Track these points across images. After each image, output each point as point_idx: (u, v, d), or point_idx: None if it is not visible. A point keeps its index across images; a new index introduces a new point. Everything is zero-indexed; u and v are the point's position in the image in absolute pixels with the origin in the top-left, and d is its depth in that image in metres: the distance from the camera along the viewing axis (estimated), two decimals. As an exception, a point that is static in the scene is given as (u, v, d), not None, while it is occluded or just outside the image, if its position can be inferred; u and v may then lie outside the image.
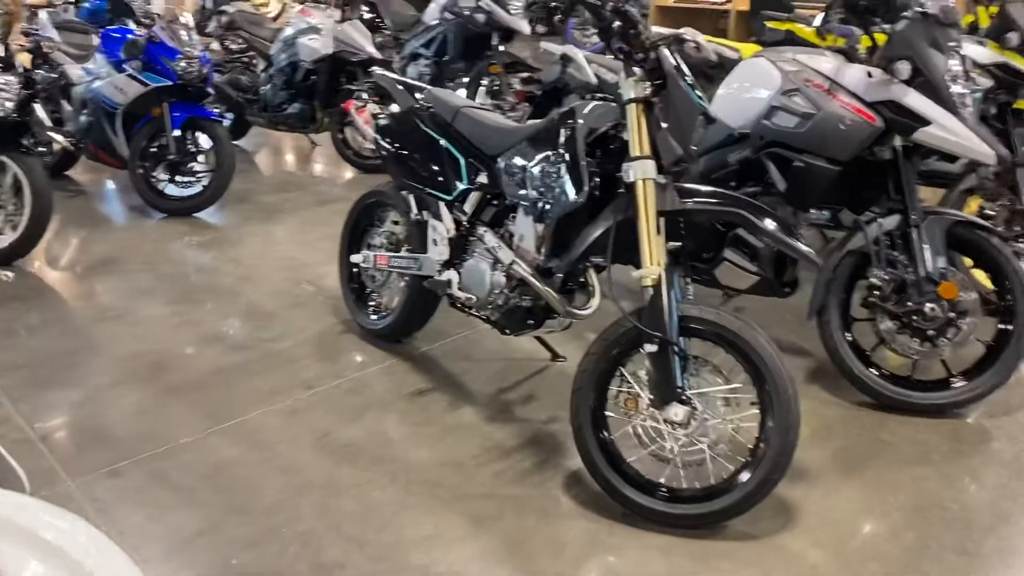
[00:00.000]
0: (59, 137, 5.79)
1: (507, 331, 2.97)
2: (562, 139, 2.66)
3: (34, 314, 3.92)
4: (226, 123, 7.11)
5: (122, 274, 4.40)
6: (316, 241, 4.82)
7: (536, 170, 2.72)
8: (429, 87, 3.38)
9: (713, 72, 3.92)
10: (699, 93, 2.53)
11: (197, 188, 5.35)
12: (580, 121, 2.65)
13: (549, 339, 3.43)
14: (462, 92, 7.41)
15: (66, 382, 3.30)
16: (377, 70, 3.60)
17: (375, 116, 3.33)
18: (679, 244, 2.60)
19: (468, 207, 3.06)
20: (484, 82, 6.89)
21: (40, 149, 4.65)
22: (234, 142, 7.23)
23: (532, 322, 2.90)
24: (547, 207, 2.69)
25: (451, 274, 3.07)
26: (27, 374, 3.36)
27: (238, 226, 5.26)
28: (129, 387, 3.28)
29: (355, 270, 3.64)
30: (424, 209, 3.23)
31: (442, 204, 3.13)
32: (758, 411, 2.44)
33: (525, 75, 6.52)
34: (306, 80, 6.37)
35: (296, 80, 6.42)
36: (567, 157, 2.60)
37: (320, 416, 3.08)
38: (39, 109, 5.64)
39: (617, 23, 2.44)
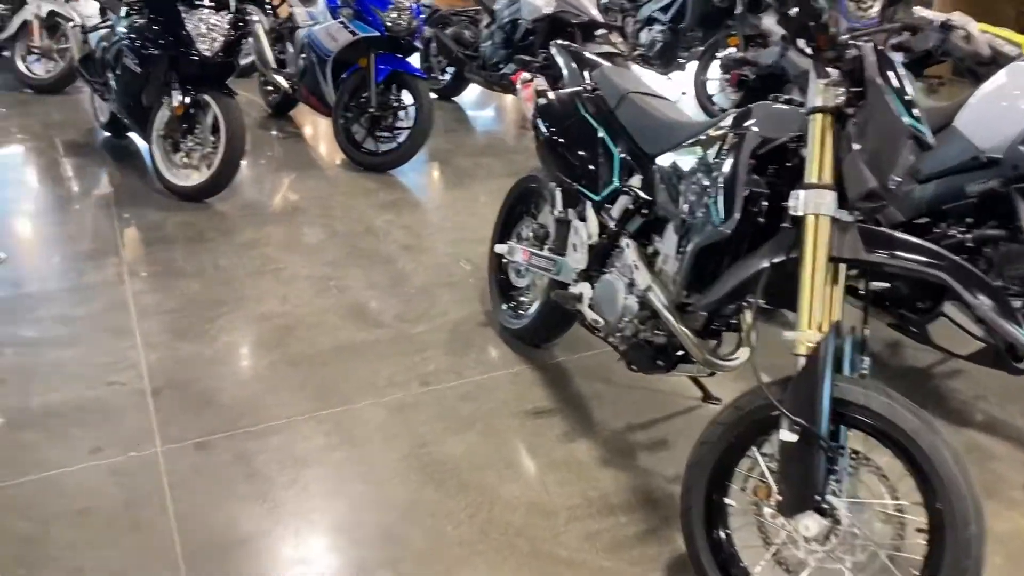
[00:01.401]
0: (280, 78, 5.94)
1: (633, 368, 2.50)
2: (726, 146, 2.11)
3: (205, 257, 3.98)
4: (445, 79, 7.04)
5: (297, 225, 4.38)
6: (494, 215, 4.53)
7: (690, 180, 2.20)
8: (607, 65, 2.91)
9: (983, 70, 3.11)
10: (916, 111, 1.88)
11: (392, 144, 5.24)
12: (753, 127, 2.08)
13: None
14: (693, 65, 6.78)
15: (200, 335, 3.27)
16: (558, 42, 3.18)
17: (539, 94, 2.92)
18: (886, 286, 1.99)
19: (616, 212, 2.58)
20: (720, 55, 6.21)
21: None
22: (452, 99, 7.16)
23: (662, 363, 2.40)
24: (692, 229, 2.17)
25: (584, 287, 2.64)
26: (171, 320, 3.38)
27: (424, 188, 5.10)
28: (253, 351, 3.18)
29: (503, 260, 3.29)
30: (570, 206, 2.80)
31: (589, 204, 2.69)
32: (925, 542, 1.81)
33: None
34: (525, 40, 6.06)
35: (515, 39, 6.13)
36: (725, 171, 2.06)
37: (425, 420, 2.79)
38: (267, 50, 5.81)
39: (795, 8, 1.85)
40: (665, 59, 7.13)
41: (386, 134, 5.25)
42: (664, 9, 6.71)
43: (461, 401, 2.91)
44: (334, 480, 2.50)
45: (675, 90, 7.27)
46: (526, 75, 3.08)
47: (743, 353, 2.28)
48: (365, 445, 2.66)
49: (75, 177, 5.11)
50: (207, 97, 4.48)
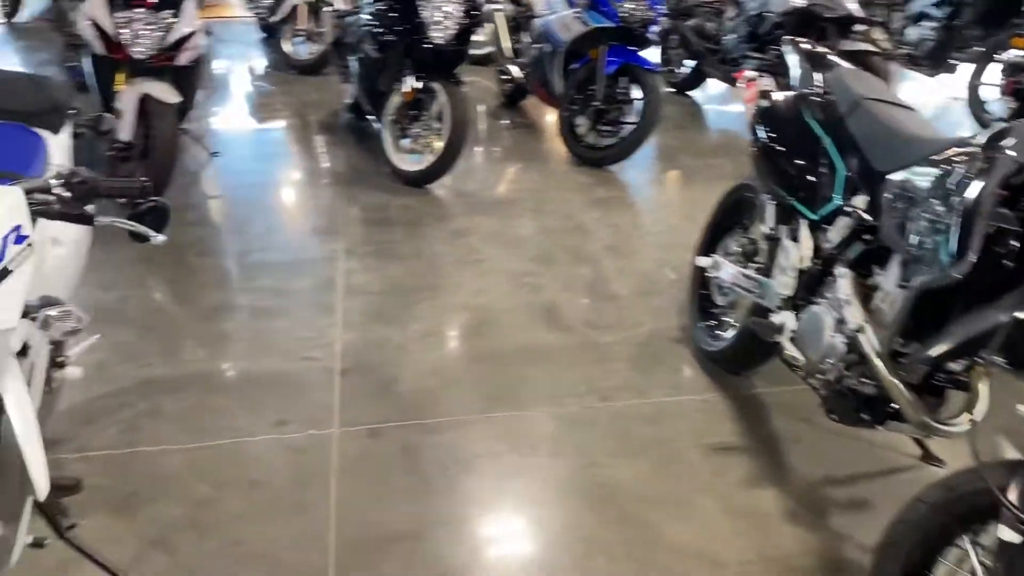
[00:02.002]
0: (514, 68, 5.96)
1: (832, 416, 2.17)
2: (972, 170, 1.74)
3: (415, 242, 4.05)
4: (683, 72, 6.74)
5: (506, 217, 4.35)
6: (710, 221, 4.24)
7: (923, 207, 1.85)
8: (845, 67, 2.56)
9: None
10: None
11: (613, 139, 5.08)
12: (1010, 150, 1.70)
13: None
14: (967, 68, 5.99)
15: (394, 320, 3.31)
16: (791, 38, 2.86)
17: (762, 94, 2.63)
18: None
19: (834, 235, 2.26)
20: (1000, 57, 5.44)
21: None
22: (687, 93, 6.85)
23: (868, 417, 2.06)
24: (918, 266, 1.82)
25: (787, 317, 2.34)
26: (372, 302, 3.45)
27: (642, 187, 4.90)
28: (440, 342, 3.17)
29: (706, 274, 3.03)
30: (783, 223, 2.50)
31: (804, 223, 2.38)
32: None
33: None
34: (771, 34, 5.63)
35: (760, 33, 5.72)
36: (966, 200, 1.70)
37: (597, 438, 2.63)
38: (504, 38, 5.84)
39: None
40: (935, 59, 6.36)
41: (609, 128, 5.09)
42: (939, 4, 5.98)
43: (640, 423, 2.71)
44: (492, 490, 2.41)
45: (938, 94, 6.49)
46: (751, 73, 2.80)
47: (968, 418, 1.90)
48: (530, 456, 2.55)
49: (317, 155, 5.44)
50: (435, 84, 4.56)
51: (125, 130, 4.22)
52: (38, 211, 1.32)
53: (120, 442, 2.58)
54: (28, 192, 1.32)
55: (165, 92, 4.20)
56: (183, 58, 4.31)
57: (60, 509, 1.96)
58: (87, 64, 4.52)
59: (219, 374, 2.95)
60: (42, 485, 1.21)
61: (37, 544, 1.75)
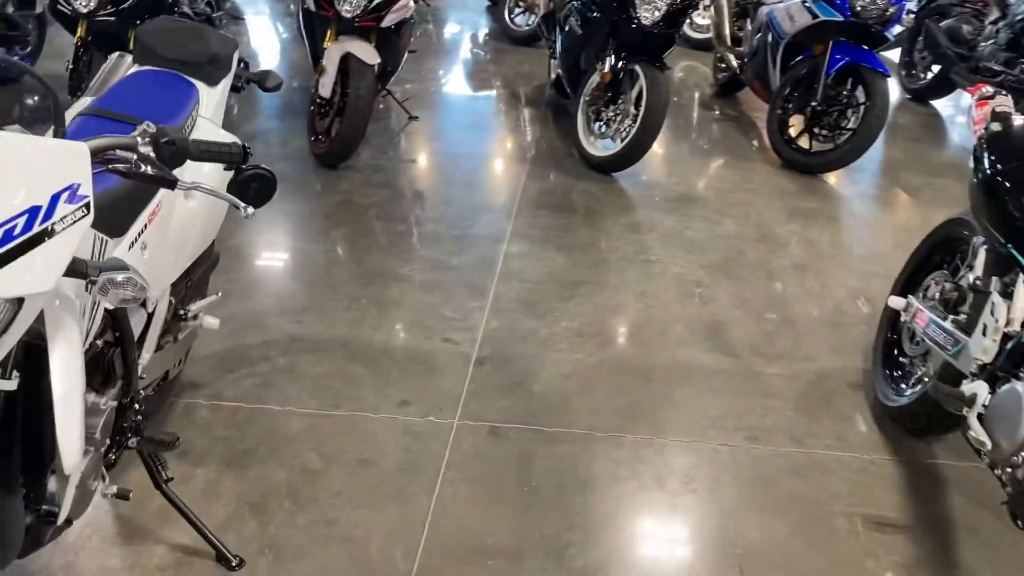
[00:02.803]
0: (731, 56, 5.57)
1: (1019, 523, 1.76)
2: None
3: (586, 232, 3.86)
4: (926, 78, 6.03)
5: (688, 217, 4.04)
6: (924, 251, 3.72)
7: None
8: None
9: None
10: None
11: (829, 145, 4.59)
12: None
13: None
14: None
15: (544, 313, 3.15)
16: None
17: (995, 116, 2.18)
18: None
19: (1061, 299, 1.82)
20: None
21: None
22: (929, 102, 6.13)
23: (1065, 535, 1.65)
24: None
25: (981, 389, 1.93)
26: (525, 290, 3.31)
27: (851, 202, 4.40)
28: (585, 343, 2.97)
29: (898, 317, 2.61)
30: (996, 274, 2.06)
31: (1023, 278, 1.94)
32: None
33: None
34: (1040, 43, 4.86)
35: (1026, 41, 4.95)
36: None
37: (734, 483, 2.34)
38: (725, 23, 5.48)
39: None
40: None
41: (825, 132, 4.61)
42: None
43: (788, 475, 2.38)
44: (605, 519, 2.20)
45: None
46: (988, 89, 2.34)
47: None
48: (655, 490, 2.31)
49: (513, 129, 5.36)
50: (637, 67, 4.31)
51: (326, 86, 4.33)
52: (116, 170, 1.26)
53: (251, 396, 2.60)
54: (109, 148, 1.27)
55: (366, 52, 4.24)
56: (388, 19, 4.34)
57: (160, 461, 1.98)
58: (301, 19, 4.68)
59: (360, 342, 2.92)
60: (71, 457, 1.17)
61: (122, 496, 1.76)
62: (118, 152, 1.28)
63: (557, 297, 3.27)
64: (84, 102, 1.95)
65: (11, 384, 1.17)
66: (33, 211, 1.06)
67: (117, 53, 2.20)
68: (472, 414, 2.57)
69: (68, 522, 1.61)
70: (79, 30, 4.34)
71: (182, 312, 2.09)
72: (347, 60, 4.27)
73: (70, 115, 1.91)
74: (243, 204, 1.46)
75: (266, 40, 7.46)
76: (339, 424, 2.50)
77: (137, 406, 1.89)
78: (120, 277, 1.19)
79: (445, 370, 2.79)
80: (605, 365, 2.85)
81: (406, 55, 5.05)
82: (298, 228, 3.80)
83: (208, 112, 2.08)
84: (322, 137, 4.47)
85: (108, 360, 1.74)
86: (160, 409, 2.49)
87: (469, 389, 2.69)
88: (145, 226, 1.77)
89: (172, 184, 1.30)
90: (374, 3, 4.20)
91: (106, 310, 1.63)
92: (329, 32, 4.33)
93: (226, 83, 2.19)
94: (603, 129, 4.56)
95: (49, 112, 1.20)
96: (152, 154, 1.29)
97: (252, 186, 1.50)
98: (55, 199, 1.09)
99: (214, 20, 5.56)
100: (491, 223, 3.90)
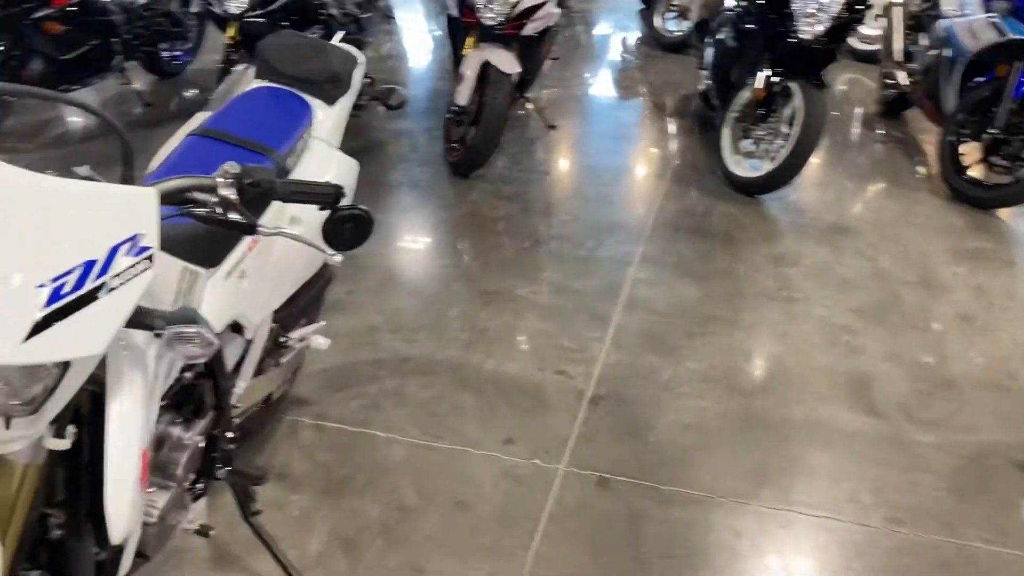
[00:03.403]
0: (901, 73, 5.13)
1: None
2: None
3: (723, 260, 3.59)
4: None
5: (838, 251, 3.70)
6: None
7: None
8: None
9: None
10: None
11: (1007, 178, 4.10)
12: None
13: None
14: None
15: (670, 351, 2.93)
16: None
17: None
18: None
19: None
20: None
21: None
22: None
23: None
24: None
25: None
26: (651, 323, 3.10)
27: (1032, 243, 3.90)
28: (713, 390, 2.73)
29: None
30: None
31: None
32: None
33: None
34: None
35: None
36: None
37: (870, 573, 2.05)
38: (897, 37, 5.04)
39: None
40: None
41: (1005, 163, 4.12)
42: None
43: (935, 570, 2.08)
44: (714, 600, 1.98)
45: None
46: None
47: None
48: (777, 572, 2.06)
49: (654, 143, 5.12)
50: (793, 84, 3.99)
51: (463, 94, 4.24)
52: (191, 214, 1.17)
53: (356, 418, 2.53)
54: (186, 191, 1.18)
55: (506, 61, 4.13)
56: (530, 28, 4.21)
57: (249, 493, 1.92)
58: (444, 25, 4.62)
59: (471, 367, 2.80)
60: (118, 528, 1.08)
61: (202, 532, 1.71)
62: (196, 194, 1.19)
63: (685, 333, 3.04)
64: (200, 117, 1.91)
65: (64, 443, 1.10)
66: (87, 266, 0.97)
67: (244, 65, 2.16)
68: (580, 460, 2.39)
69: (146, 557, 1.56)
70: (230, 31, 4.44)
71: (283, 339, 2.02)
72: (486, 68, 4.17)
73: (186, 131, 1.87)
74: (330, 250, 1.35)
75: (416, 40, 7.51)
76: (439, 458, 2.39)
77: (230, 435, 1.83)
78: (190, 330, 1.10)
79: (556, 407, 2.63)
80: (732, 417, 2.61)
81: (548, 62, 4.91)
82: (423, 239, 3.73)
83: (323, 132, 2.00)
84: (456, 145, 4.39)
85: (199, 393, 1.68)
86: (265, 427, 2.45)
87: (580, 431, 2.52)
88: (244, 254, 1.70)
89: (252, 230, 1.20)
90: (516, 11, 4.07)
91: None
92: (470, 39, 4.25)
93: (346, 101, 2.11)
94: (751, 148, 4.26)
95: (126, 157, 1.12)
96: (234, 197, 1.19)
97: (347, 226, 1.38)
98: (113, 252, 1.00)
99: (362, 21, 5.62)
100: (620, 244, 3.70)
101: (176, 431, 1.60)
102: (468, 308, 3.16)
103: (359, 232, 1.41)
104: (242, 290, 1.69)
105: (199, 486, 1.79)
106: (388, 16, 8.24)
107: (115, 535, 1.09)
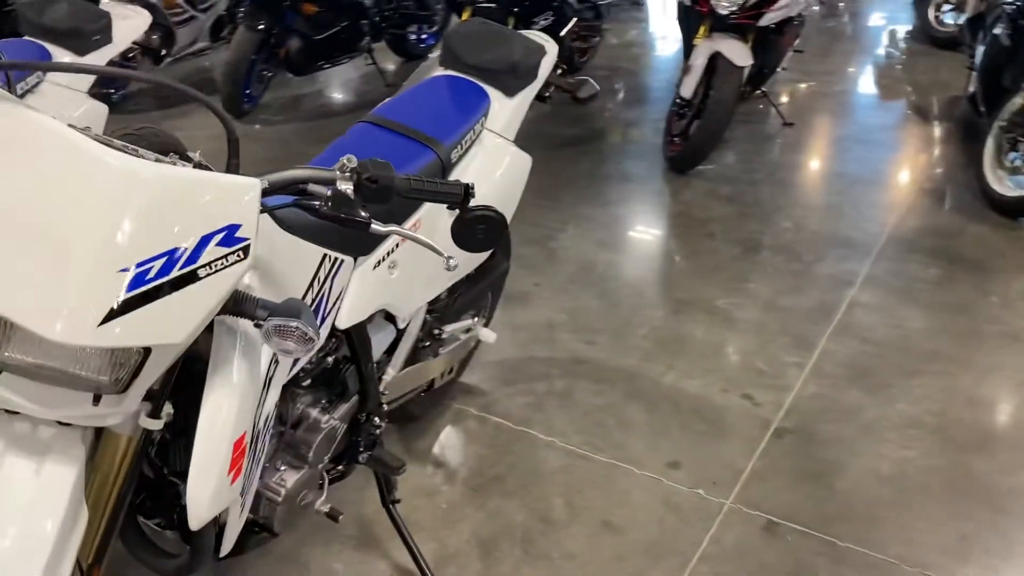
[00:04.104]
0: None
1: None
2: None
3: (964, 289, 3.13)
4: None
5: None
6: None
7: None
8: None
9: None
10: None
11: None
12: None
13: None
14: None
15: (880, 388, 2.59)
16: None
17: None
18: None
19: None
20: None
21: None
22: None
23: None
24: None
25: None
26: (864, 354, 2.76)
27: None
28: (919, 439, 2.37)
29: None
30: None
31: None
32: None
33: None
34: None
35: None
36: None
37: None
38: None
39: None
40: None
41: None
42: None
43: None
44: None
45: None
46: None
47: None
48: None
49: (906, 148, 4.59)
50: (1079, 92, 3.39)
51: (688, 86, 4.04)
52: (303, 205, 1.14)
53: (519, 415, 2.48)
54: (300, 182, 1.15)
55: (737, 53, 3.87)
56: (767, 18, 3.91)
57: (390, 481, 1.92)
58: (677, 11, 4.42)
59: (648, 379, 2.65)
60: (195, 516, 1.08)
61: (332, 516, 1.72)
62: (311, 187, 1.16)
63: (900, 370, 2.67)
64: (383, 104, 1.91)
65: (156, 424, 1.12)
66: (173, 253, 0.96)
67: (436, 53, 2.14)
68: (750, 499, 2.17)
69: (273, 533, 1.59)
70: (464, 14, 4.53)
71: (437, 331, 1.99)
72: (716, 59, 3.93)
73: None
74: (446, 254, 1.27)
75: (666, 27, 7.29)
76: (597, 471, 2.27)
77: (377, 420, 1.83)
78: (291, 324, 1.07)
79: (734, 434, 2.41)
80: (940, 474, 2.25)
81: (789, 55, 4.55)
82: (624, 236, 3.60)
83: (498, 124, 1.94)
84: (676, 139, 4.20)
85: (341, 377, 1.69)
86: (431, 412, 2.46)
87: (755, 466, 2.29)
88: (398, 244, 1.68)
89: (365, 227, 1.15)
90: (751, 1, 3.79)
91: (339, 328, 1.57)
92: (702, 28, 4.03)
93: (527, 93, 2.03)
94: (1017, 163, 3.68)
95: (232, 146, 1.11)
96: (350, 191, 1.15)
97: (478, 228, 1.30)
98: (205, 241, 0.98)
99: (600, 8, 5.53)
100: (843, 261, 3.34)
101: (314, 413, 1.62)
102: (657, 314, 2.99)
103: (490, 235, 1.32)
104: (391, 281, 1.67)
105: (340, 468, 1.81)
106: (636, 2, 8.09)
107: (193, 522, 1.09)
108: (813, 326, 2.91)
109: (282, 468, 1.58)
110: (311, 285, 1.40)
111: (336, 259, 1.48)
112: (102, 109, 2.35)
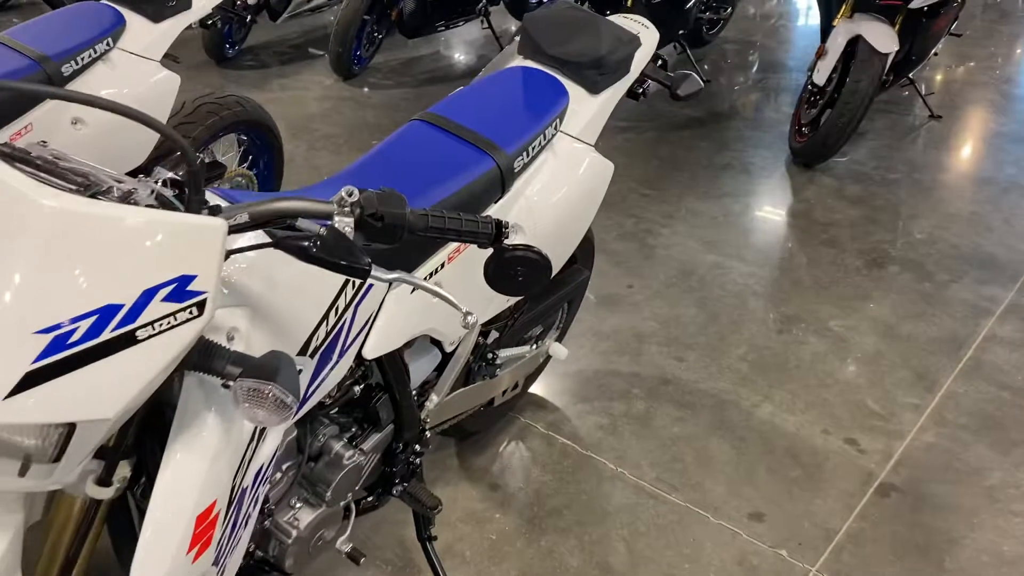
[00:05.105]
0: None
1: None
2: None
3: None
4: None
5: None
6: None
7: None
8: None
9: None
10: None
11: None
12: None
13: None
14: None
15: (1011, 447, 2.23)
16: None
17: None
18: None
19: None
20: None
21: None
22: None
23: None
24: None
25: None
26: (997, 400, 2.39)
27: None
28: (1059, 518, 2.02)
29: None
30: None
31: None
32: None
33: None
34: None
35: None
36: None
37: None
38: None
39: None
40: None
41: None
42: None
43: None
44: None
45: None
46: None
47: None
48: None
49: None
50: None
51: (822, 72, 3.66)
52: (284, 247, 0.95)
53: (589, 439, 2.26)
54: (288, 215, 0.96)
55: (882, 38, 3.44)
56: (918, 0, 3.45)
57: (428, 516, 1.75)
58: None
59: (739, 409, 2.37)
60: None
61: (353, 558, 1.56)
62: (302, 222, 0.96)
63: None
64: (445, 99, 1.71)
65: (104, 493, 0.97)
66: (107, 311, 0.79)
67: (517, 39, 1.91)
68: (840, 567, 1.89)
69: (285, 574, 1.45)
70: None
71: (492, 355, 1.79)
72: (855, 43, 3.51)
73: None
74: (463, 309, 1.06)
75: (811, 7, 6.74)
76: (667, 514, 2.03)
77: (418, 448, 1.66)
78: (266, 389, 0.90)
79: (830, 486, 2.11)
80: (1078, 564, 1.90)
81: (942, 41, 4.05)
82: (733, 236, 3.27)
83: (576, 125, 1.69)
84: (805, 129, 3.81)
85: (372, 406, 1.52)
86: (495, 425, 2.28)
87: (851, 527, 1.99)
88: (443, 264, 1.48)
89: (363, 275, 0.95)
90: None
91: (366, 358, 1.39)
92: (843, 7, 3.60)
93: (615, 90, 1.77)
94: None
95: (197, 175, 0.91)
96: (349, 229, 0.95)
97: (517, 270, 1.09)
98: (148, 295, 0.81)
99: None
100: (983, 284, 2.93)
101: (337, 446, 1.45)
102: (759, 332, 2.69)
103: (530, 278, 1.10)
104: (435, 304, 1.47)
105: (370, 499, 1.66)
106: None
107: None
108: (939, 361, 2.55)
109: (297, 505, 1.43)
110: (327, 314, 1.22)
111: (363, 281, 1.29)
112: (174, 80, 2.24)
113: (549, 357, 2.20)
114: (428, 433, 1.70)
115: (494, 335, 1.83)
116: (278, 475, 1.36)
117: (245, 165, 2.92)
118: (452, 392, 1.73)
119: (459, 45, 5.73)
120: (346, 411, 1.51)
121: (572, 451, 2.22)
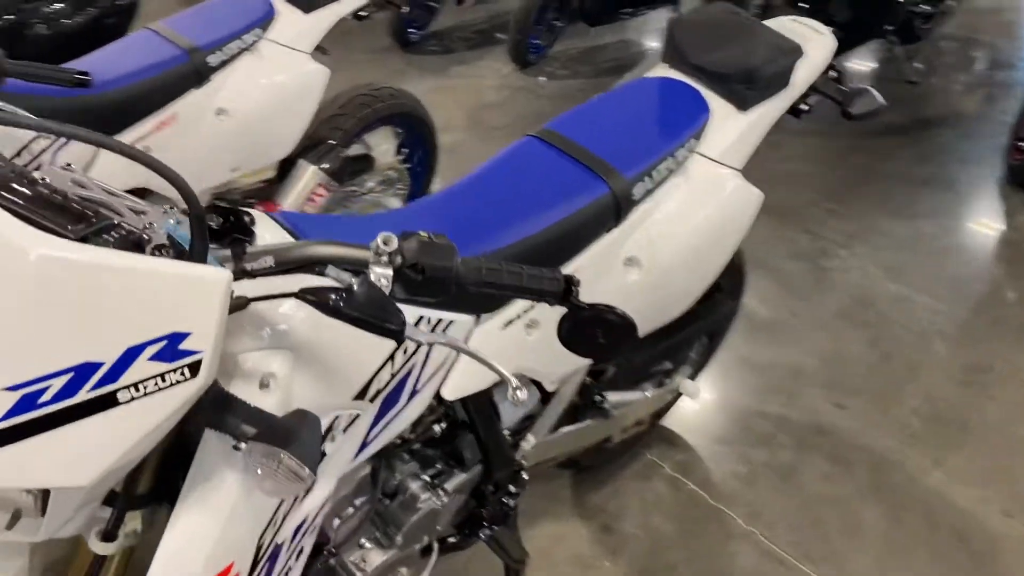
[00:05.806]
0: None
1: None
2: None
3: None
4: None
5: None
6: None
7: None
8: None
9: None
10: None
11: None
12: None
13: None
14: None
15: None
16: None
17: None
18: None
19: None
20: None
21: None
22: None
23: None
24: None
25: None
26: None
27: None
28: None
29: None
30: None
31: None
32: None
33: None
34: None
35: None
36: None
37: None
38: None
39: None
40: None
41: None
42: None
43: None
44: None
45: None
46: None
47: None
48: None
49: None
50: None
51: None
52: (308, 300, 0.82)
53: (721, 489, 2.03)
54: (317, 262, 0.83)
55: None
56: None
57: (516, 572, 1.61)
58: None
59: (903, 472, 2.05)
60: None
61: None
62: (331, 270, 0.84)
63: None
64: (567, 113, 1.53)
65: (107, 548, 0.89)
66: (83, 370, 0.71)
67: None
68: None
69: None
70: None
71: (598, 398, 1.61)
72: None
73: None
74: (514, 382, 0.89)
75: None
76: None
77: (512, 489, 1.53)
78: (274, 461, 0.79)
79: (997, 562, 1.78)
80: None
81: None
82: (922, 264, 2.87)
83: (718, 147, 1.47)
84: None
85: (456, 445, 1.40)
86: (618, 460, 2.10)
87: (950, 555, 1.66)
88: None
89: (394, 336, 0.82)
90: None
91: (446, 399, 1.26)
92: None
93: (770, 107, 1.52)
94: None
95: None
96: (385, 283, 0.82)
97: (596, 331, 0.92)
98: (132, 354, 0.72)
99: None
100: None
101: (413, 486, 1.35)
102: (939, 382, 2.33)
103: (612, 343, 0.93)
104: (529, 343, 1.32)
105: (452, 541, 1.54)
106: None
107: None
108: None
109: (367, 546, 1.34)
110: (392, 356, 1.10)
111: (441, 320, 1.17)
112: (323, 73, 2.21)
113: (679, 394, 1.99)
114: (525, 474, 1.55)
115: (610, 370, 1.65)
116: (349, 510, 1.27)
117: (400, 158, 2.88)
118: (555, 430, 1.58)
119: (647, 34, 5.47)
120: (431, 444, 1.39)
121: (700, 500, 2.01)
